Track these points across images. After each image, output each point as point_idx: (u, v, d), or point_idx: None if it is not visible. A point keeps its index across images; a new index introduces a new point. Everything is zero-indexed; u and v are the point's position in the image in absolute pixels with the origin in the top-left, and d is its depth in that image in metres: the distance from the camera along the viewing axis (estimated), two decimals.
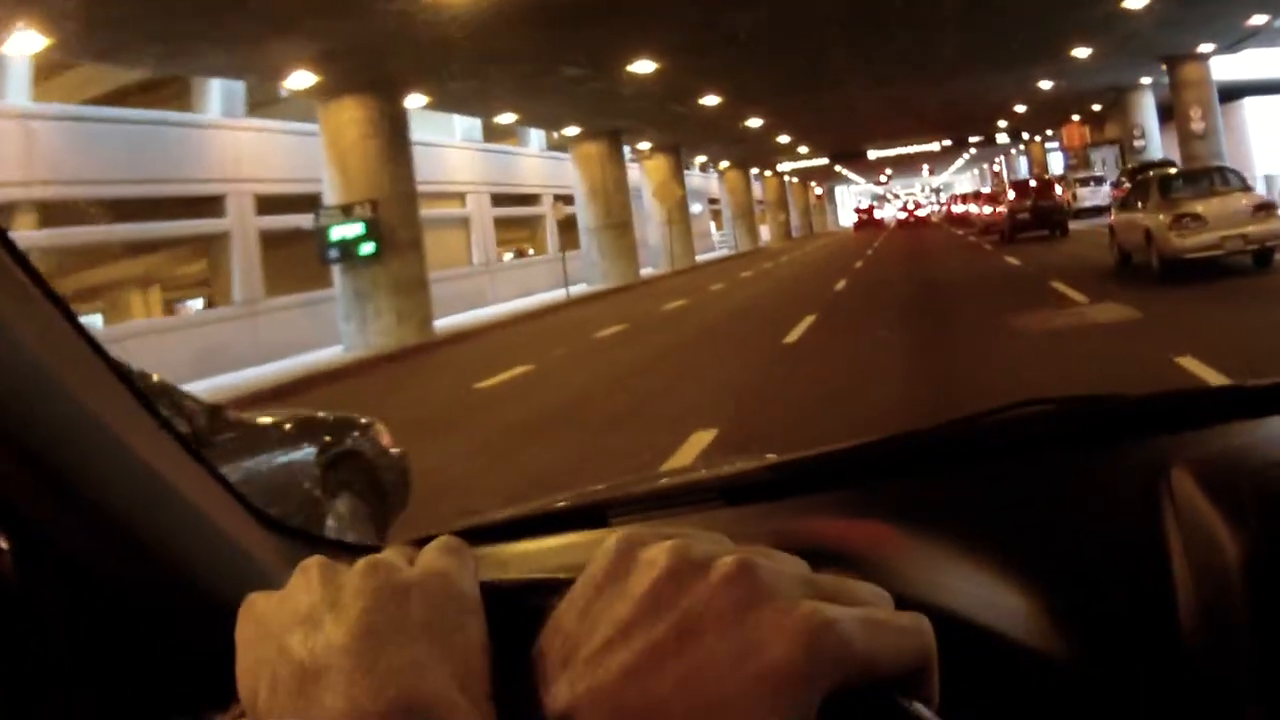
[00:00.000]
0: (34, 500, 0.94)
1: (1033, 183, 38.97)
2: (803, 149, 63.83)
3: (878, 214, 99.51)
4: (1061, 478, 1.18)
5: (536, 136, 45.48)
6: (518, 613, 0.57)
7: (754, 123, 43.99)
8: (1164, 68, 38.37)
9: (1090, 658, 0.92)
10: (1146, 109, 46.36)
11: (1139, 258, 18.69)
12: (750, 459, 1.57)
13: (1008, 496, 1.18)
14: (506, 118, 35.38)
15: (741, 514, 1.30)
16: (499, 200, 41.26)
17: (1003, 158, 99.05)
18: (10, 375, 0.93)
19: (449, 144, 38.40)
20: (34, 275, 1.00)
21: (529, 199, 44.35)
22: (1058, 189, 38.00)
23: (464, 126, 39.33)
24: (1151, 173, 21.77)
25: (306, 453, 6.22)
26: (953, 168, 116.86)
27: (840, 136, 58.67)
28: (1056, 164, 67.23)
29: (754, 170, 75.12)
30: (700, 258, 55.86)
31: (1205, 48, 36.14)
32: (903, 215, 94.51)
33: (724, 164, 68.09)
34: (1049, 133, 66.22)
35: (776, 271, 39.12)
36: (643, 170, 50.26)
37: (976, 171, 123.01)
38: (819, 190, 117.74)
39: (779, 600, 0.50)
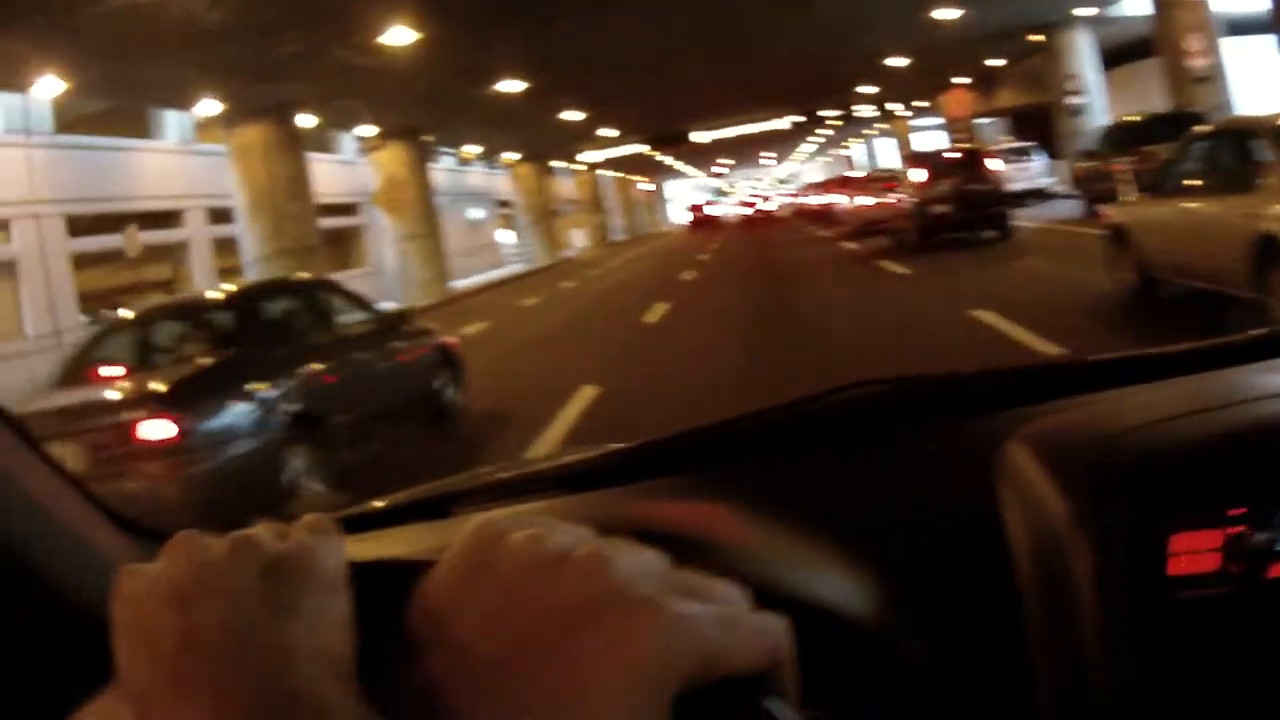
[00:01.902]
0: None
1: (953, 154, 25.12)
2: (608, 131, 48.66)
3: (715, 210, 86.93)
4: (899, 457, 1.23)
5: (177, 123, 30.03)
6: (382, 592, 0.60)
7: (511, 86, 28.95)
8: None
9: (935, 635, 0.96)
10: (1084, 52, 34.27)
11: (1181, 282, 11.04)
12: (591, 448, 1.60)
13: (846, 477, 1.21)
14: (49, 86, 20.47)
15: (584, 500, 1.33)
16: (94, 226, 26.10)
17: (858, 142, 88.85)
18: None
19: None
20: None
21: (163, 218, 28.94)
22: (994, 164, 24.29)
23: (13, 110, 24.21)
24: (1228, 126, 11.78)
25: (432, 340, 11.62)
26: (800, 155, 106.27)
27: (655, 112, 44.26)
28: (928, 145, 54.80)
29: (560, 164, 61.40)
30: (474, 280, 42.62)
31: None
32: (745, 210, 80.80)
33: (512, 156, 53.34)
34: (921, 104, 55.04)
35: (534, 318, 24.16)
36: (373, 166, 35.78)
37: (829, 158, 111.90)
38: (648, 186, 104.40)
39: (634, 595, 0.52)
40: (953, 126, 47.64)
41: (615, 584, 0.52)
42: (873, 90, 48.00)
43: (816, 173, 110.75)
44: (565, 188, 67.60)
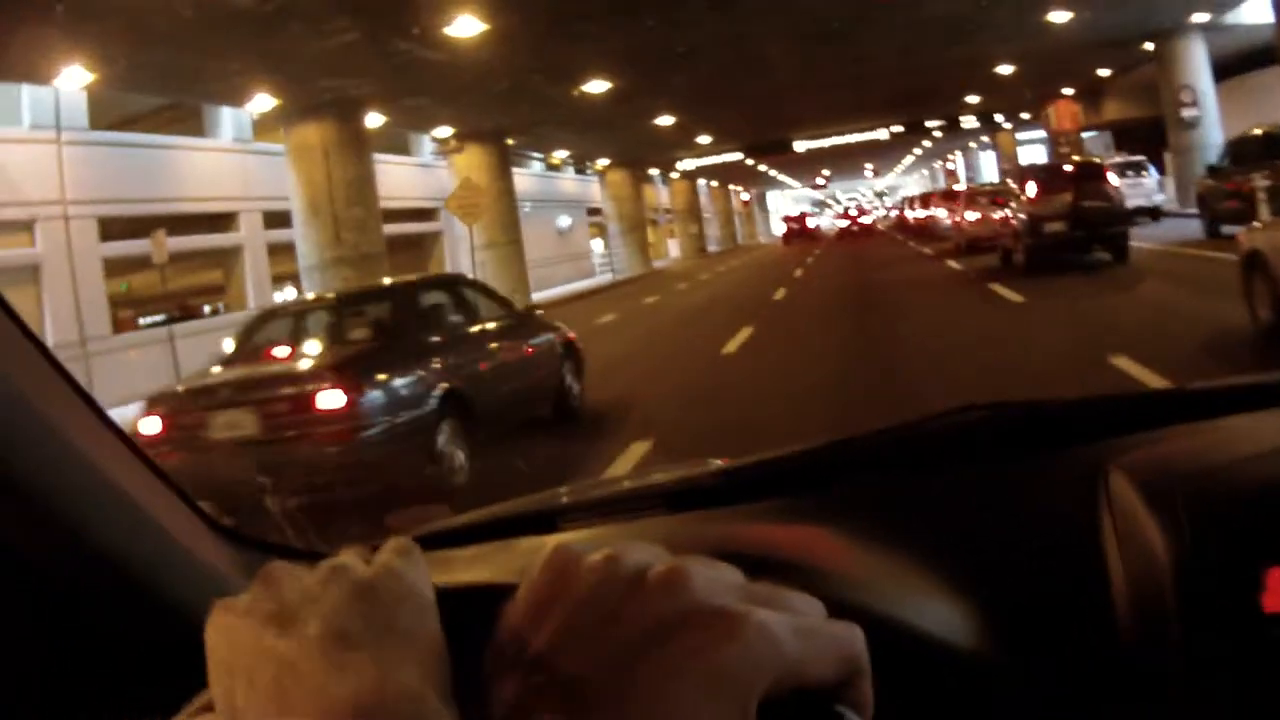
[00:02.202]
0: None
1: (1068, 167, 23.03)
2: (703, 138, 47.12)
3: (812, 222, 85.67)
4: (1000, 482, 1.21)
5: (233, 120, 28.68)
6: (466, 615, 0.60)
7: (598, 87, 27.39)
8: None
9: (1028, 660, 0.96)
10: (1197, 62, 32.26)
11: None
12: (696, 465, 1.63)
13: (947, 502, 1.20)
14: (76, 78, 19.22)
15: (686, 521, 1.33)
16: (134, 229, 24.13)
17: (958, 155, 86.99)
18: None
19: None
20: None
21: (214, 221, 27.66)
22: (1113, 179, 22.29)
23: (42, 104, 22.85)
24: None
25: (560, 335, 12.52)
26: (900, 167, 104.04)
27: (752, 119, 42.51)
28: (1031, 160, 54.87)
29: (654, 171, 60.48)
30: (557, 291, 41.07)
31: None
32: (843, 223, 78.82)
33: (602, 162, 51.70)
34: (1024, 116, 52.56)
35: (601, 339, 21.43)
36: (451, 170, 34.21)
37: (927, 172, 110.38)
38: (746, 196, 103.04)
39: (713, 606, 0.53)
40: (1058, 139, 45.12)
41: (694, 597, 0.53)
42: (976, 100, 46.16)
43: (915, 186, 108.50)
44: (660, 196, 65.82)
